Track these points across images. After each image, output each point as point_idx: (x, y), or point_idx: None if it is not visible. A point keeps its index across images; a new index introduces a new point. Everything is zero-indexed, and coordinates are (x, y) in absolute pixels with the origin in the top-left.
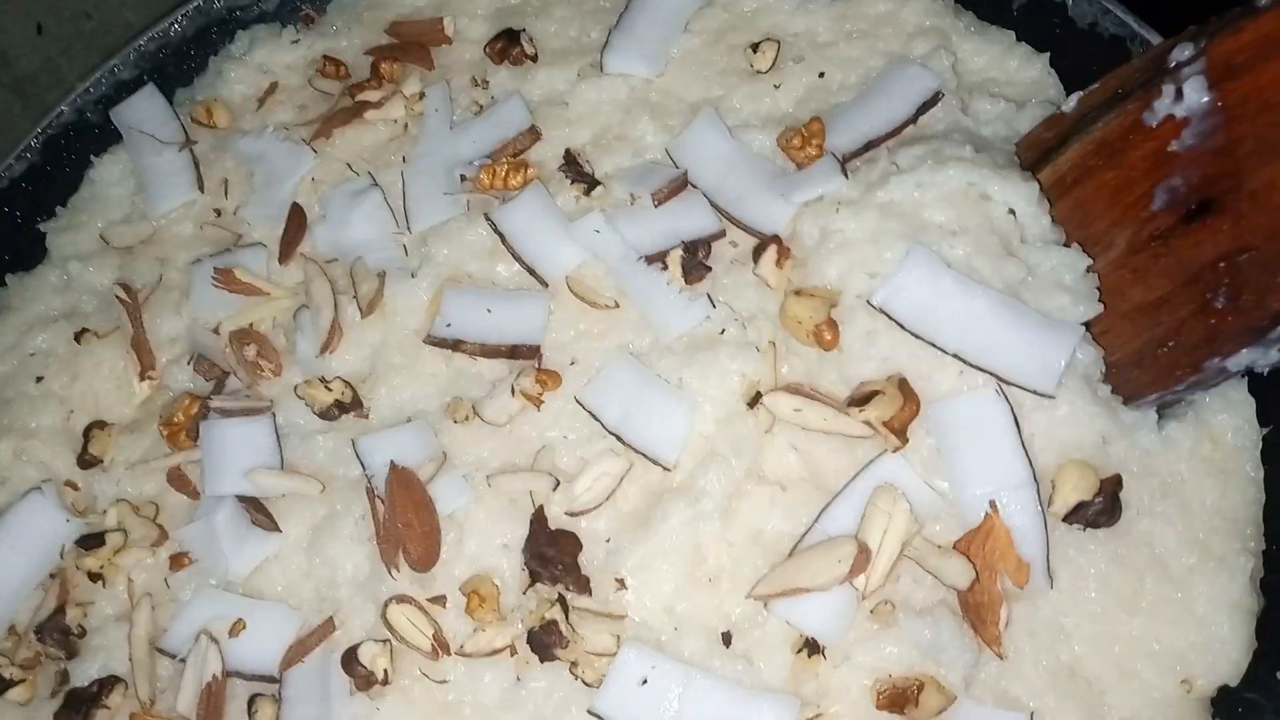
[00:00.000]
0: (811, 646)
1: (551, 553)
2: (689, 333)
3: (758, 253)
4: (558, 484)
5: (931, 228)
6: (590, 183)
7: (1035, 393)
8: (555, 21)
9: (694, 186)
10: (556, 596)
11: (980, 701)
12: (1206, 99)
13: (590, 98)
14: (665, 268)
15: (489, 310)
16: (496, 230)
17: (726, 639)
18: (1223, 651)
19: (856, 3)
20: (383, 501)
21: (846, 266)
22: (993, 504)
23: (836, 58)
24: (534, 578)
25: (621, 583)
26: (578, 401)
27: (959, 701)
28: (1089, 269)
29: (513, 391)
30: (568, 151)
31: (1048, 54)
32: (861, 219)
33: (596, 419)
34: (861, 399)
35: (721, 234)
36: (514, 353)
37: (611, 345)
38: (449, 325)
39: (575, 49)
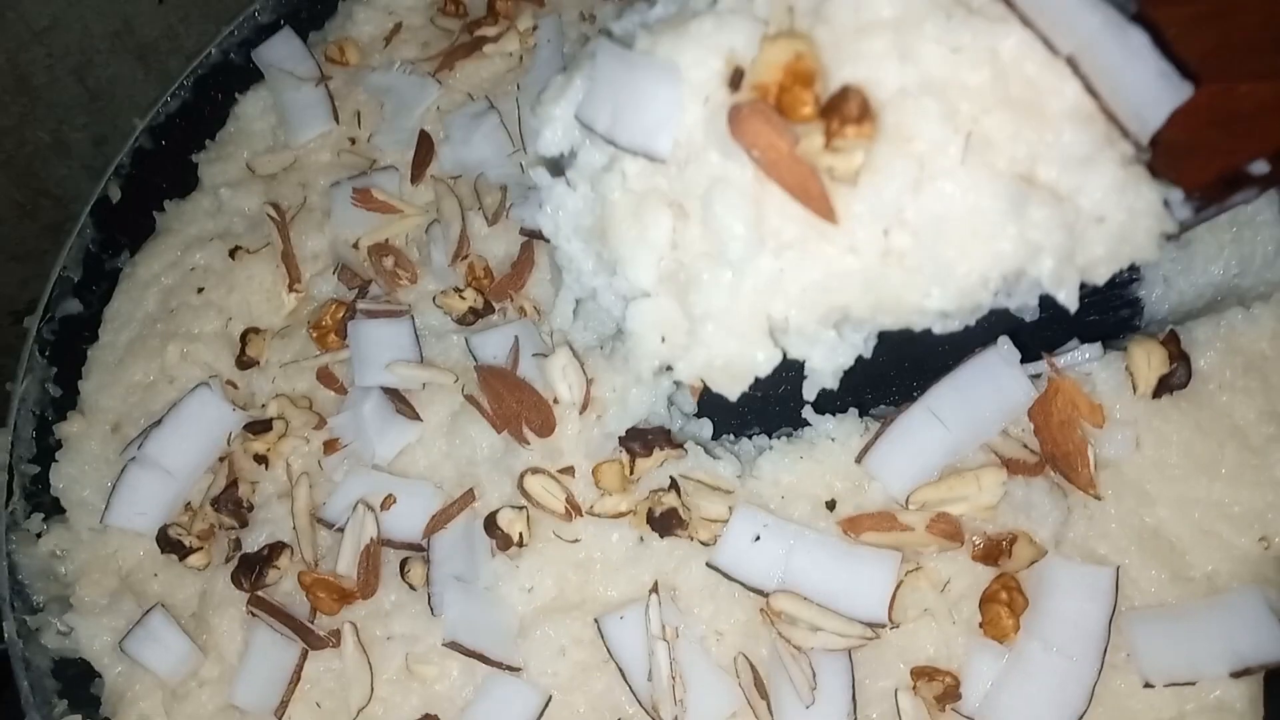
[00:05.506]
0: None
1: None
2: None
3: None
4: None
5: None
6: None
7: (1129, 138)
8: None
9: None
10: (669, 484)
11: (1068, 558)
12: None
13: None
14: None
15: None
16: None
17: (830, 505)
18: None
19: None
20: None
21: None
22: (1051, 364)
23: None
24: (632, 455)
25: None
26: (577, 120)
27: (1049, 556)
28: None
29: None
30: None
31: None
32: None
33: (592, 130)
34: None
35: None
36: None
37: None
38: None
39: None
